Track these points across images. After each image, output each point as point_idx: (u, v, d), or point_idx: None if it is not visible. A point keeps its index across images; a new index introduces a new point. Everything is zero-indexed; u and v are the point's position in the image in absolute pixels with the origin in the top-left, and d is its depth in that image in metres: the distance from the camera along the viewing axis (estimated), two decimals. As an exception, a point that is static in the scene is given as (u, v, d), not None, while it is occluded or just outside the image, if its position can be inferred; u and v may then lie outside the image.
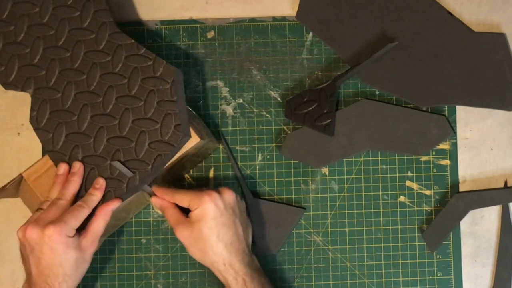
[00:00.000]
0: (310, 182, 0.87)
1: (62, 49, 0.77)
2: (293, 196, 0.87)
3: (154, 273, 0.87)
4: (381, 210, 0.87)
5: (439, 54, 0.85)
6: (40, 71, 0.77)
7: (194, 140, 0.77)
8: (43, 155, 0.86)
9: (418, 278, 0.86)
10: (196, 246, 0.76)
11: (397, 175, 0.87)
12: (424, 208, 0.87)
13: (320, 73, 0.88)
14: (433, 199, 0.87)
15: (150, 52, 0.76)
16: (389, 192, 0.87)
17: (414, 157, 0.87)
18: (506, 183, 0.87)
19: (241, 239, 0.78)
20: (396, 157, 0.87)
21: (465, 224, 0.87)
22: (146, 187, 0.77)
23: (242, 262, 0.77)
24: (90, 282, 0.86)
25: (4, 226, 0.87)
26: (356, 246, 0.87)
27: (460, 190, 0.87)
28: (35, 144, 0.85)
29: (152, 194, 0.78)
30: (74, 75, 0.77)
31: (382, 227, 0.87)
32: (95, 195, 0.75)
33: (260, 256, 0.84)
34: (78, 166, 0.76)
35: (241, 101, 0.88)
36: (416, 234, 0.87)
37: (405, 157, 0.87)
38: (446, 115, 0.87)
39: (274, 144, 0.88)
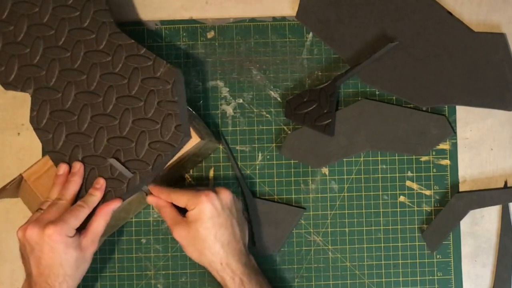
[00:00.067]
0: (310, 182, 0.87)
1: (62, 49, 0.77)
2: (293, 196, 0.87)
3: (154, 273, 0.87)
4: (381, 210, 0.87)
5: (439, 54, 0.85)
6: (40, 71, 0.77)
7: (194, 140, 0.77)
8: (43, 155, 0.86)
9: (418, 278, 0.86)
10: (193, 246, 0.76)
11: (397, 175, 0.87)
12: (424, 208, 0.87)
13: (320, 73, 0.88)
14: (433, 199, 0.87)
15: (150, 52, 0.76)
16: (389, 192, 0.87)
17: (414, 157, 0.87)
18: (506, 183, 0.87)
19: (238, 239, 0.78)
20: (396, 157, 0.87)
21: (465, 224, 0.87)
22: (143, 186, 0.77)
23: (239, 261, 0.77)
24: (90, 282, 0.86)
25: (4, 226, 0.87)
26: (356, 246, 0.87)
27: (460, 190, 0.87)
28: (35, 144, 0.85)
29: (148, 193, 0.78)
30: (74, 75, 0.77)
31: (382, 227, 0.87)
32: (95, 195, 0.75)
33: (260, 256, 0.84)
34: (78, 166, 0.76)
35: (241, 101, 0.88)
36: (416, 234, 0.87)
37: (405, 157, 0.87)
38: (446, 115, 0.87)
39: (274, 144, 0.88)
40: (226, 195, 0.78)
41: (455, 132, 0.87)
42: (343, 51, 0.87)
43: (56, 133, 0.76)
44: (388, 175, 0.87)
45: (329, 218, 0.87)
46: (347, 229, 0.87)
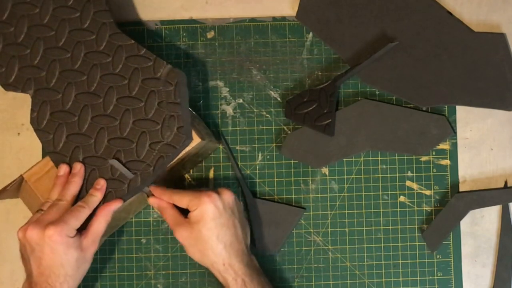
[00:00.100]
0: (310, 182, 0.87)
1: (62, 50, 0.77)
2: (293, 196, 0.87)
3: (154, 273, 0.87)
4: (381, 210, 0.87)
5: (439, 54, 0.85)
6: (40, 72, 0.77)
7: (194, 141, 0.77)
8: (43, 155, 0.86)
9: (418, 278, 0.86)
10: (196, 247, 0.76)
11: (397, 175, 0.87)
12: (424, 208, 0.87)
13: (320, 73, 0.88)
14: (433, 199, 0.87)
15: (150, 53, 0.76)
16: (389, 192, 0.87)
17: (414, 157, 0.87)
18: (506, 183, 0.87)
19: (240, 240, 0.78)
20: (396, 157, 0.87)
21: (465, 224, 0.87)
22: (145, 188, 0.77)
23: (242, 262, 0.77)
24: (90, 282, 0.86)
25: (4, 226, 0.87)
26: (356, 246, 0.87)
27: (460, 190, 0.87)
28: (35, 145, 0.85)
29: (150, 195, 0.78)
30: (75, 76, 0.77)
31: (382, 227, 0.87)
32: (96, 196, 0.75)
33: (260, 256, 0.84)
34: (78, 167, 0.76)
35: (241, 101, 0.88)
36: (416, 234, 0.87)
37: (405, 157, 0.87)
38: (446, 115, 0.87)
39: (274, 144, 0.88)
40: (228, 196, 0.78)
41: (455, 132, 0.87)
42: (343, 51, 0.87)
43: (57, 134, 0.76)
44: (388, 175, 0.87)
45: (329, 218, 0.87)
46: (347, 229, 0.87)
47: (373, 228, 0.87)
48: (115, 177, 0.75)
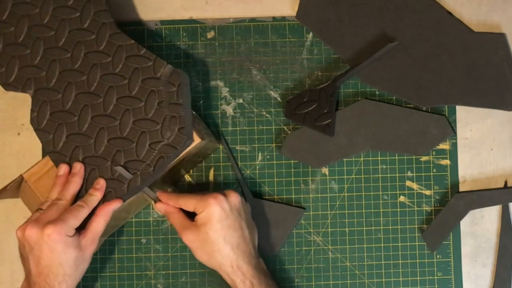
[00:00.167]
0: (310, 182, 0.87)
1: (62, 50, 0.77)
2: (293, 196, 0.87)
3: (154, 273, 0.87)
4: (381, 210, 0.87)
5: (439, 54, 0.85)
6: (40, 72, 0.77)
7: (195, 141, 0.77)
8: (43, 155, 0.86)
9: (418, 278, 0.86)
10: (203, 249, 0.76)
11: (397, 175, 0.87)
12: (424, 208, 0.87)
13: (320, 73, 0.88)
14: (433, 199, 0.87)
15: (150, 53, 0.76)
16: (389, 192, 0.87)
17: (414, 157, 0.87)
18: (506, 183, 0.87)
19: (247, 241, 0.78)
20: (396, 157, 0.87)
21: (465, 224, 0.87)
22: (151, 193, 0.77)
23: (250, 264, 0.77)
24: (90, 282, 0.86)
25: (4, 226, 0.87)
26: (356, 246, 0.87)
27: (460, 190, 0.87)
28: (35, 144, 0.85)
29: (156, 200, 0.78)
30: (75, 76, 0.77)
31: (382, 227, 0.87)
32: (95, 195, 0.75)
33: (260, 256, 0.84)
34: (78, 167, 0.76)
35: (241, 101, 0.88)
36: (416, 234, 0.87)
37: (405, 157, 0.87)
38: (446, 115, 0.87)
39: (274, 144, 0.88)
40: (234, 198, 0.78)
41: (455, 132, 0.87)
42: (343, 51, 0.87)
43: (57, 133, 0.76)
44: (388, 175, 0.87)
45: (329, 218, 0.87)
46: (347, 229, 0.87)
47: (373, 228, 0.87)
48: (115, 177, 0.75)
